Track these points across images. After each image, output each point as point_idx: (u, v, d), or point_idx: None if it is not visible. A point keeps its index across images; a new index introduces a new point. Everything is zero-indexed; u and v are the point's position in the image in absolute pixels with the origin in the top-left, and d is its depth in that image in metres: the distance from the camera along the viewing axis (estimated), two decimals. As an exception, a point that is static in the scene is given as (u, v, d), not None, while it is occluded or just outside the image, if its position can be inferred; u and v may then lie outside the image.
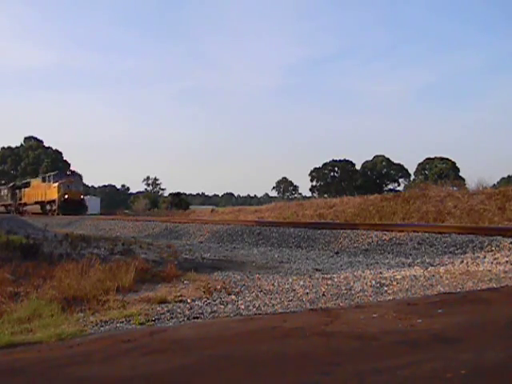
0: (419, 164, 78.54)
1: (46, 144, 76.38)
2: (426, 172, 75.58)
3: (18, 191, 47.43)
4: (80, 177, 41.43)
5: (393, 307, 4.76)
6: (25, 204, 44.59)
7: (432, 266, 8.01)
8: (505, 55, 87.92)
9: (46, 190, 39.12)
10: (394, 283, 6.37)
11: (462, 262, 8.21)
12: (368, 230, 12.26)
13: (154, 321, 4.70)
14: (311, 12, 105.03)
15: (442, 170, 71.73)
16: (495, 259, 8.19)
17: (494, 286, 6.01)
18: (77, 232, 18.34)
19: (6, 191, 53.09)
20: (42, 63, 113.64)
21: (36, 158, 72.98)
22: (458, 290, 5.83)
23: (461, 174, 67.05)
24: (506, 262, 7.90)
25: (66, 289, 5.79)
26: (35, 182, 44.00)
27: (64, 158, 73.94)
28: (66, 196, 36.50)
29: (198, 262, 9.23)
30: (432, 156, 77.06)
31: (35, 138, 77.33)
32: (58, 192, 36.65)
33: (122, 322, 4.68)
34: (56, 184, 37.52)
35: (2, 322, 4.67)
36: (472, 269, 7.45)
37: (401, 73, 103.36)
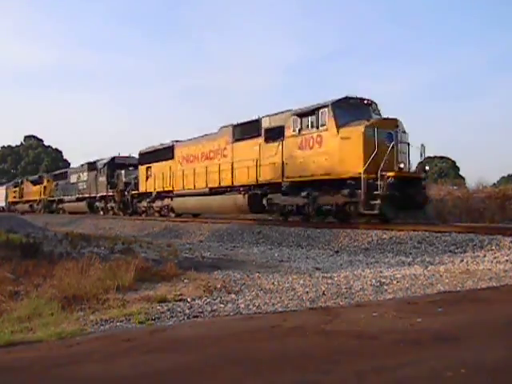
0: (419, 163, 78.53)
1: (45, 143, 76.35)
2: (426, 171, 75.60)
3: (124, 172, 26.28)
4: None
5: (393, 306, 4.76)
6: (166, 193, 21.62)
7: (432, 264, 8.01)
8: (506, 54, 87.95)
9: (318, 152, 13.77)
10: (394, 282, 6.37)
11: (462, 260, 8.21)
12: (368, 229, 12.25)
13: (153, 320, 4.70)
14: (312, 10, 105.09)
15: (441, 169, 71.73)
16: (495, 258, 8.19)
17: (494, 284, 6.01)
18: (77, 231, 18.36)
19: (85, 174, 30.58)
20: (43, 62, 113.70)
21: (36, 156, 72.90)
22: (458, 288, 5.83)
23: (461, 172, 67.04)
24: (506, 260, 7.90)
25: (66, 288, 5.79)
26: (217, 138, 18.35)
27: (64, 157, 73.94)
28: (402, 166, 12.63)
29: (198, 261, 9.22)
30: (432, 155, 77.06)
31: (35, 137, 77.25)
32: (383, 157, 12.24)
33: (122, 320, 4.68)
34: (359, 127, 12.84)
35: (2, 321, 4.67)
36: (472, 268, 7.45)
37: (401, 72, 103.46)
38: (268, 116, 15.97)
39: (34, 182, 40.69)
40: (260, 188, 16.20)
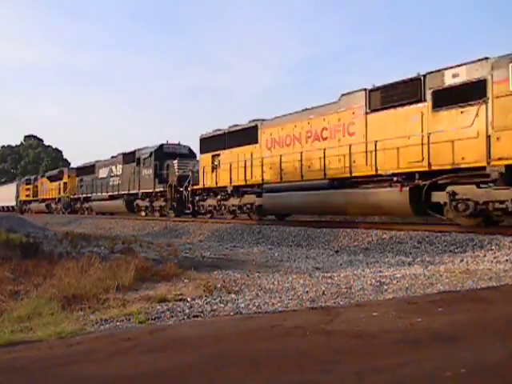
0: None
1: (45, 143, 76.41)
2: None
3: (177, 162, 21.25)
4: None
5: (393, 306, 4.76)
6: (248, 187, 16.90)
7: (432, 264, 8.02)
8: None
9: None
10: (394, 282, 6.37)
11: (462, 260, 8.21)
12: (368, 228, 12.26)
13: (154, 319, 4.70)
14: (313, 9, 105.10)
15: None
16: (495, 258, 8.19)
17: (494, 284, 6.01)
18: (77, 231, 18.38)
19: (119, 167, 25.59)
20: (42, 61, 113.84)
21: (36, 156, 72.96)
22: (458, 288, 5.83)
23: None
24: (506, 260, 7.90)
25: (66, 287, 5.80)
26: (337, 110, 13.54)
27: (64, 157, 73.98)
28: None
29: (198, 261, 9.23)
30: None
31: (35, 137, 77.31)
32: None
33: (122, 320, 4.69)
34: None
35: (2, 321, 4.68)
36: (472, 267, 7.45)
37: (400, 70, 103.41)
38: (440, 70, 11.09)
39: (52, 178, 35.58)
40: (429, 177, 11.27)
